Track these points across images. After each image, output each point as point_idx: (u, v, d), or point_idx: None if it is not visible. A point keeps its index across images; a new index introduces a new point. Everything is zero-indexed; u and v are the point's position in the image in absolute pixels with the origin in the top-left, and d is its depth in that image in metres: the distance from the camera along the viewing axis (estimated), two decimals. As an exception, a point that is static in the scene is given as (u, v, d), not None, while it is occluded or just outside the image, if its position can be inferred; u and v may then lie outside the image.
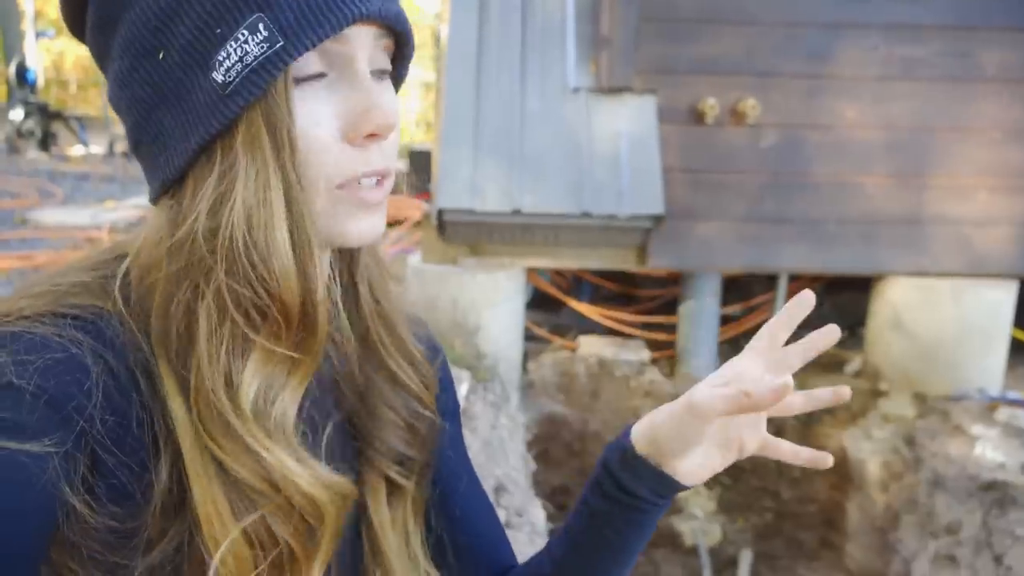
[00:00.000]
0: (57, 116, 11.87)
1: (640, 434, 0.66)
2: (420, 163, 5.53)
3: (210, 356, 0.54)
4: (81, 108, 16.79)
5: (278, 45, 0.51)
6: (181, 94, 0.53)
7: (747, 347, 0.68)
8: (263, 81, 0.52)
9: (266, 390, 0.55)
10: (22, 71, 11.38)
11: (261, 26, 0.51)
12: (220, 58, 0.52)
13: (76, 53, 22.17)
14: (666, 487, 0.65)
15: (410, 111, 14.94)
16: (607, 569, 0.68)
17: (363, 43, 0.55)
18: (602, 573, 0.69)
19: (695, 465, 0.66)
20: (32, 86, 11.66)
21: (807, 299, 0.67)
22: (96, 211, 7.09)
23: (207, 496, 0.53)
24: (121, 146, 11.64)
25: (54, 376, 0.50)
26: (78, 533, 0.52)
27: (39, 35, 16.82)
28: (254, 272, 0.53)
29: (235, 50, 0.51)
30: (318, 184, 0.55)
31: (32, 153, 10.96)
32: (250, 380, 0.54)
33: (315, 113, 0.54)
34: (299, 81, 0.54)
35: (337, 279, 0.65)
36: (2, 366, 0.50)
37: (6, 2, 14.08)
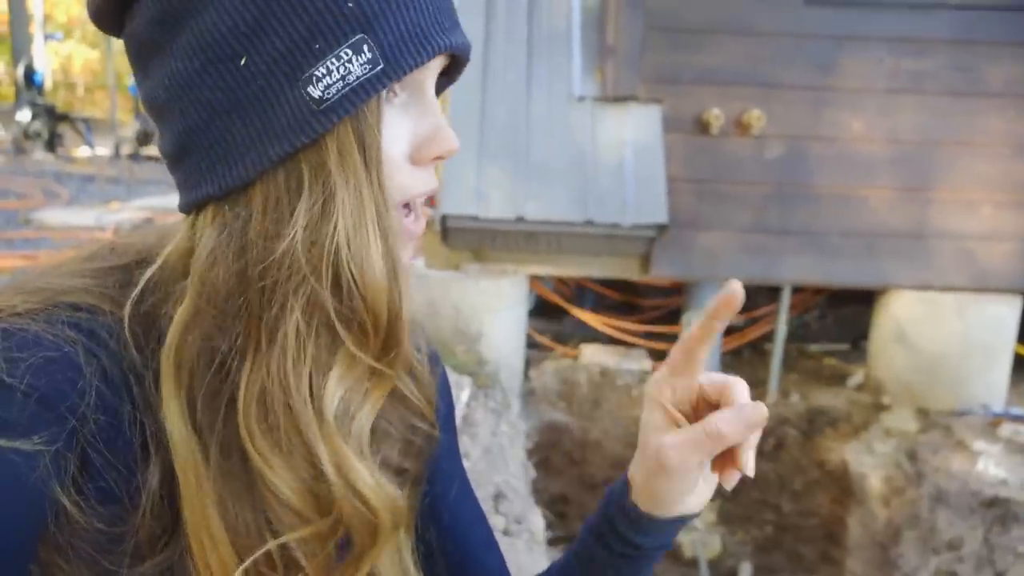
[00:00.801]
0: (64, 118, 11.94)
1: (640, 493, 0.63)
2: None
3: (294, 365, 0.54)
4: (88, 110, 16.88)
5: (379, 68, 0.52)
6: (262, 103, 0.53)
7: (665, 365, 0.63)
8: (360, 101, 0.53)
9: (347, 400, 0.56)
10: (30, 73, 11.46)
11: (365, 48, 0.52)
12: (318, 74, 0.52)
13: (84, 56, 22.29)
14: (678, 526, 0.64)
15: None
16: None
17: (435, 71, 0.58)
18: None
19: (700, 497, 0.63)
20: (39, 88, 11.74)
21: (734, 294, 0.58)
22: (100, 212, 7.12)
23: (201, 522, 0.53)
24: (127, 148, 11.68)
25: (46, 374, 0.50)
26: (67, 533, 0.52)
27: (47, 38, 16.93)
28: (350, 286, 0.54)
29: (337, 68, 0.52)
30: (392, 202, 0.57)
31: (38, 154, 11.02)
32: (334, 389, 0.55)
33: (391, 132, 0.56)
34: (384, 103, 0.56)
35: None
36: None
37: (15, 5, 14.17)
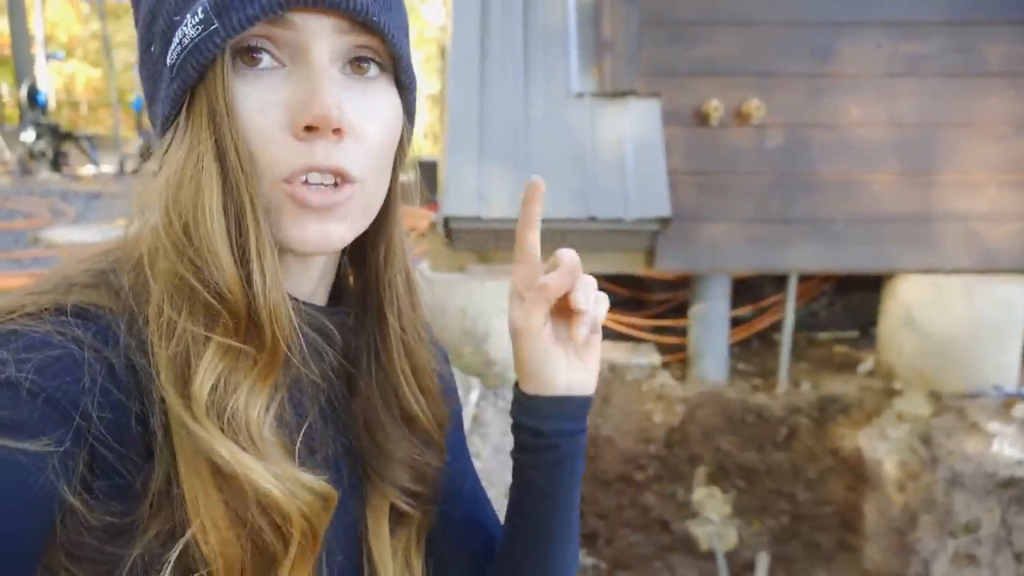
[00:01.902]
0: (68, 136, 12.00)
1: (521, 380, 0.68)
2: (428, 174, 5.54)
3: (164, 346, 0.53)
4: (92, 128, 16.97)
5: (212, 27, 0.52)
6: (160, 83, 0.56)
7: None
8: (197, 63, 0.52)
9: (223, 384, 0.53)
10: (33, 93, 11.53)
11: (200, 9, 0.52)
12: (172, 43, 0.54)
13: (86, 75, 22.43)
14: (570, 408, 0.67)
15: (417, 124, 15.01)
16: (551, 519, 0.69)
17: (319, 34, 0.54)
18: (546, 525, 0.70)
19: (577, 373, 0.68)
20: (43, 108, 11.80)
21: (535, 185, 0.67)
22: (107, 229, 7.15)
23: (193, 474, 0.53)
24: (131, 164, 11.75)
25: (52, 374, 0.50)
26: (74, 530, 0.52)
27: (49, 58, 17.04)
28: (189, 259, 0.53)
29: (178, 34, 0.53)
30: (264, 176, 0.55)
31: (44, 173, 11.08)
32: (203, 374, 0.53)
33: (260, 100, 0.54)
34: (253, 69, 0.54)
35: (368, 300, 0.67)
36: (2, 363, 0.49)
37: (17, 26, 14.26)
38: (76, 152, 12.13)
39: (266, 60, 0.54)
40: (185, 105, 0.54)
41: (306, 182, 0.55)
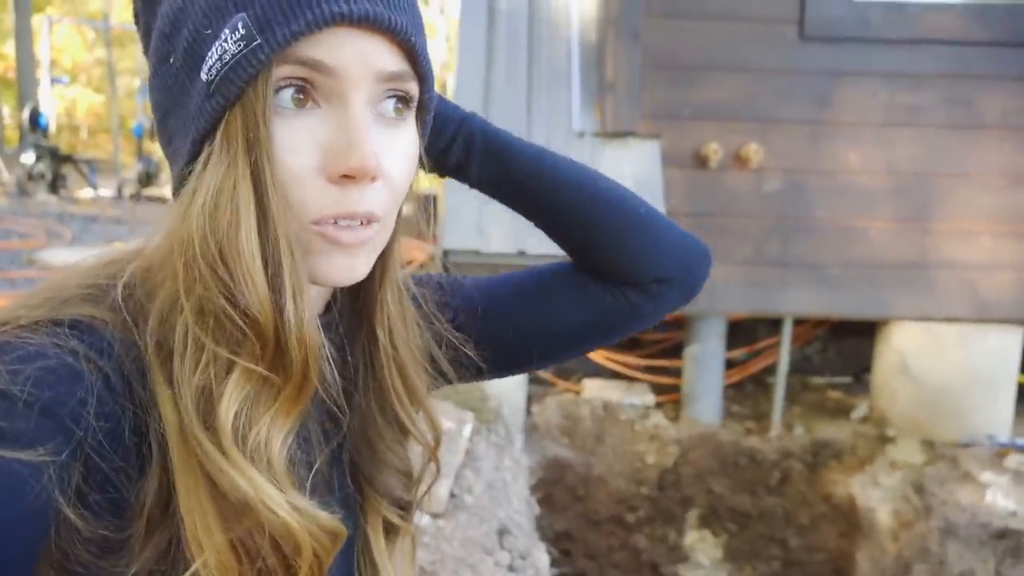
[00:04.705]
0: (67, 159, 12.03)
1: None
2: (428, 208, 5.56)
3: (188, 370, 0.53)
4: (91, 153, 17.04)
5: (255, 43, 0.51)
6: (182, 97, 0.54)
7: None
8: (240, 79, 0.52)
9: (246, 412, 0.53)
10: (35, 116, 11.59)
11: (240, 24, 0.51)
12: (208, 58, 0.52)
13: (88, 100, 22.60)
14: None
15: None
16: (538, 182, 0.81)
17: (358, 80, 0.54)
18: (547, 187, 0.81)
19: None
20: (44, 130, 11.85)
21: None
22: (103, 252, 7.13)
23: (193, 499, 0.52)
24: (130, 189, 11.79)
25: (48, 385, 0.49)
26: (68, 543, 0.51)
27: (54, 82, 17.17)
28: (222, 281, 0.52)
29: (217, 48, 0.52)
30: (294, 213, 0.54)
31: (41, 195, 11.08)
32: (228, 400, 0.52)
33: (296, 141, 0.53)
34: (291, 108, 0.54)
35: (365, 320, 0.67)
36: None
37: (22, 50, 14.40)
38: (76, 175, 12.15)
39: (304, 100, 0.54)
40: (221, 126, 0.53)
41: (335, 223, 0.56)
